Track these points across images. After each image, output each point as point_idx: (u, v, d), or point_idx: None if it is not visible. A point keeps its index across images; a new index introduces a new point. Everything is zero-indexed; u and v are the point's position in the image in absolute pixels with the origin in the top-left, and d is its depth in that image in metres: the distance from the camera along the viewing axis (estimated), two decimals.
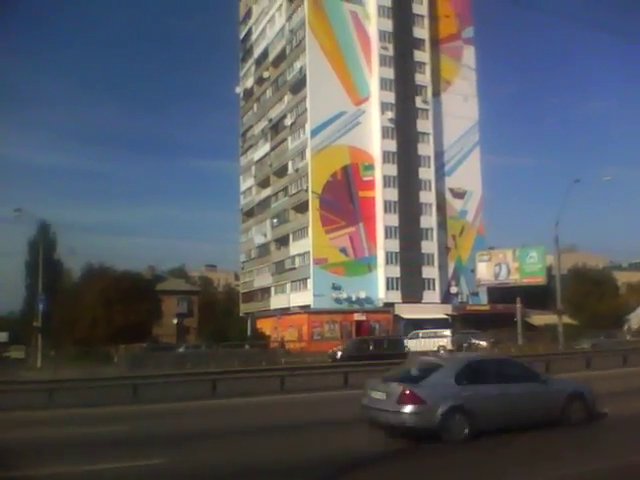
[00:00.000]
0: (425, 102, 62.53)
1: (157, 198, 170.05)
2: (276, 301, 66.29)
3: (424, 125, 62.31)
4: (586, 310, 57.98)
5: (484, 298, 61.52)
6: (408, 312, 56.54)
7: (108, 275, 62.69)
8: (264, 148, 72.73)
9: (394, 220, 59.83)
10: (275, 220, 68.13)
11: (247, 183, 78.29)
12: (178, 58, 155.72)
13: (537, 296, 49.63)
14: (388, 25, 62.30)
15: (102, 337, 52.22)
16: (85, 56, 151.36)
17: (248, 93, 79.00)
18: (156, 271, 75.74)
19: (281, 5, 68.68)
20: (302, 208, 61.68)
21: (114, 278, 61.65)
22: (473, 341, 45.23)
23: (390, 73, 61.70)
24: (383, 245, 59.38)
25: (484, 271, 52.52)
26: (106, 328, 54.68)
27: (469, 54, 66.82)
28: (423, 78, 62.86)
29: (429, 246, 60.71)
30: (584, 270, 65.09)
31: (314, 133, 59.78)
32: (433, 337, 44.65)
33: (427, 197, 61.47)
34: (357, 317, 56.98)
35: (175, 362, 33.64)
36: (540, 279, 47.85)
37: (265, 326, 64.30)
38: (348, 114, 60.81)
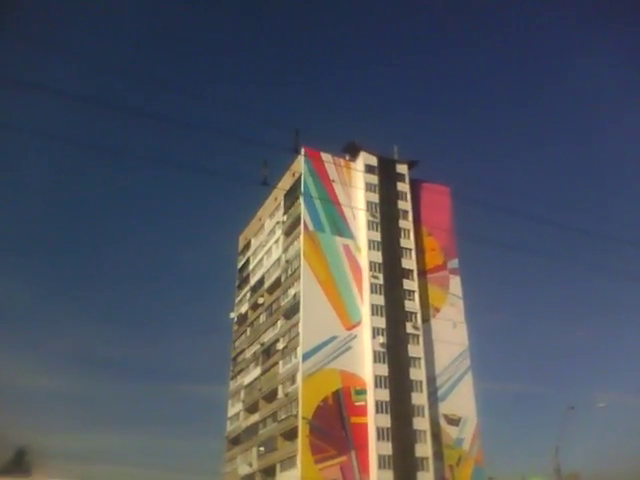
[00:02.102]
0: (415, 327, 63.86)
1: (138, 423, 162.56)
2: None
3: (415, 350, 62.74)
4: None
5: None
6: None
7: None
8: (255, 372, 72.20)
9: (387, 449, 56.92)
10: (262, 448, 64.85)
11: (235, 408, 76.10)
12: (174, 287, 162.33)
13: None
14: (378, 257, 66.31)
15: None
16: (81, 281, 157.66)
17: (242, 318, 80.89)
18: None
19: (278, 238, 73.87)
20: (291, 435, 59.12)
21: None
22: None
23: (380, 300, 63.99)
24: (377, 477, 55.53)
25: None
26: None
27: (455, 283, 70.06)
28: (412, 305, 65.05)
29: (426, 478, 56.67)
30: None
31: (305, 357, 59.82)
32: None
33: (421, 424, 59.27)
34: None
35: None
36: None
37: None
38: (340, 338, 61.58)
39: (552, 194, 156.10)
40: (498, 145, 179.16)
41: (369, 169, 70.44)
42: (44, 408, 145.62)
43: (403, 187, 71.10)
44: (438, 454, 59.50)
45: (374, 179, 70.09)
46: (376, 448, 56.75)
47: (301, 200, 68.01)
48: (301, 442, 56.19)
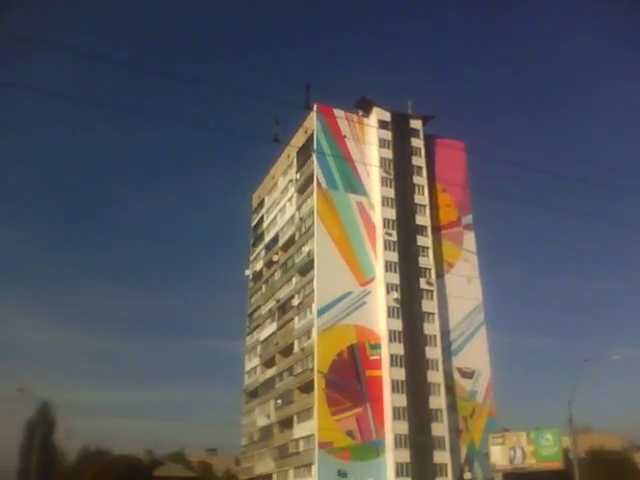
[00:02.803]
0: (429, 283, 64.37)
1: (159, 378, 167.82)
2: None
3: (429, 305, 63.44)
4: None
5: None
6: None
7: (104, 459, 60.01)
8: (271, 327, 73.51)
9: (402, 400, 58.29)
10: (279, 401, 66.59)
11: (252, 362, 77.88)
12: (191, 246, 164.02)
13: None
14: (392, 213, 66.31)
15: None
16: (99, 241, 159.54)
17: (257, 275, 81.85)
18: (154, 455, 72.38)
19: (292, 196, 73.88)
20: (307, 388, 60.57)
21: (110, 462, 59.02)
22: None
23: (394, 256, 64.27)
24: (391, 427, 57.13)
25: (498, 455, 50.06)
26: None
27: (469, 239, 70.08)
28: (426, 261, 65.39)
29: (439, 428, 58.37)
30: (602, 453, 61.63)
31: (320, 313, 60.72)
32: None
33: (435, 377, 60.47)
34: None
35: None
36: (557, 464, 45.42)
37: None
38: (354, 294, 62.26)
39: (567, 149, 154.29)
40: (512, 101, 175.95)
41: (382, 125, 69.79)
42: (66, 365, 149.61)
43: (417, 143, 70.47)
44: (452, 406, 60.79)
45: (387, 135, 69.48)
46: (391, 400, 58.10)
47: (314, 157, 67.70)
48: (317, 395, 57.67)
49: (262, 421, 70.28)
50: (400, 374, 59.36)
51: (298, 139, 71.65)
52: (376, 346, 60.86)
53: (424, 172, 69.32)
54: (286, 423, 64.39)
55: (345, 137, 68.73)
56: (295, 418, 62.24)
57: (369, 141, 69.24)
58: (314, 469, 55.67)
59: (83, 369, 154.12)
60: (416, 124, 71.20)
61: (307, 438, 58.47)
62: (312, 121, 68.41)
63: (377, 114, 70.01)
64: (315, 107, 67.58)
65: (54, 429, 62.72)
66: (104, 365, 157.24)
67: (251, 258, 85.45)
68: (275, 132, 25.76)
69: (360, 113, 71.06)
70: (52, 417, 63.09)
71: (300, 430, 60.34)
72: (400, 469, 55.68)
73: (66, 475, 60.82)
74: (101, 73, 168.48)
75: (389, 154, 68.71)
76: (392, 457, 56.01)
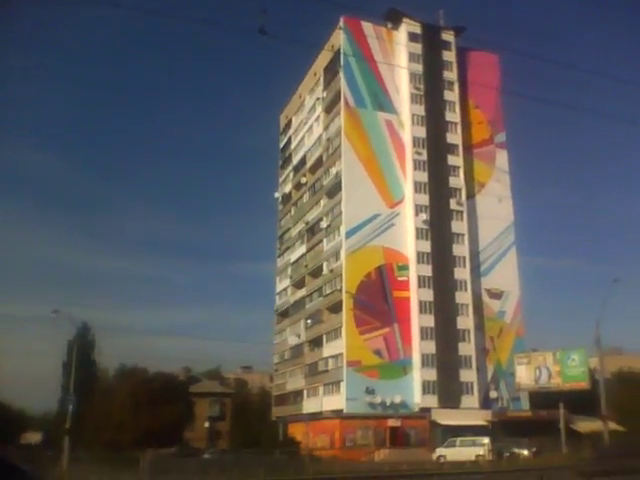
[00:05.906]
0: (459, 204, 62.96)
1: (195, 300, 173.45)
2: (308, 405, 64.38)
3: (459, 226, 62.33)
4: (634, 416, 53.48)
5: (526, 403, 58.13)
6: (445, 418, 53.78)
7: (138, 376, 62.30)
8: (300, 250, 73.78)
9: (430, 321, 58.55)
10: (309, 321, 67.72)
11: (283, 284, 78.94)
12: (221, 168, 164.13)
13: (581, 401, 46.81)
14: (422, 132, 64.20)
15: (128, 441, 50.76)
16: (133, 163, 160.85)
17: (286, 198, 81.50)
18: (191, 372, 75.10)
19: (319, 116, 72.00)
20: (336, 308, 61.20)
21: (144, 379, 61.13)
22: (514, 450, 42.68)
23: (424, 177, 62.78)
24: (419, 347, 57.77)
25: (524, 375, 50.26)
26: (133, 431, 53.26)
27: (502, 158, 67.72)
28: (457, 181, 63.69)
29: (466, 348, 58.71)
30: (630, 374, 61.28)
31: (349, 235, 60.43)
32: (471, 445, 42.42)
33: (463, 298, 60.28)
34: (391, 423, 54.56)
35: (199, 469, 32.84)
36: (583, 384, 45.38)
37: (296, 431, 62.21)
38: (382, 216, 61.55)
39: (610, 53, 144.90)
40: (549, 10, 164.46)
41: (412, 37, 66.53)
42: (99, 287, 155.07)
43: (449, 56, 67.12)
44: (479, 326, 60.79)
45: (418, 48, 66.32)
46: (418, 320, 58.45)
47: (341, 74, 65.29)
48: (345, 315, 58.36)
49: (293, 340, 71.93)
50: (428, 295, 59.33)
51: (325, 55, 68.93)
52: (404, 267, 60.65)
53: (456, 87, 66.35)
54: (316, 342, 65.69)
55: (373, 52, 65.79)
56: (324, 337, 63.34)
57: (399, 55, 66.21)
58: (342, 386, 57.05)
59: (121, 292, 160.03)
60: (448, 36, 67.56)
61: (336, 357, 59.65)
62: (339, 36, 65.50)
63: (407, 26, 66.65)
64: (341, 20, 64.89)
65: (94, 348, 65.56)
66: (142, 288, 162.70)
67: (280, 180, 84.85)
68: (260, 23, 22.47)
69: (389, 26, 67.71)
70: (91, 337, 65.75)
71: (329, 349, 61.51)
72: (427, 387, 56.66)
73: (104, 391, 63.87)
74: None
75: (419, 69, 65.82)
76: (419, 375, 56.92)
